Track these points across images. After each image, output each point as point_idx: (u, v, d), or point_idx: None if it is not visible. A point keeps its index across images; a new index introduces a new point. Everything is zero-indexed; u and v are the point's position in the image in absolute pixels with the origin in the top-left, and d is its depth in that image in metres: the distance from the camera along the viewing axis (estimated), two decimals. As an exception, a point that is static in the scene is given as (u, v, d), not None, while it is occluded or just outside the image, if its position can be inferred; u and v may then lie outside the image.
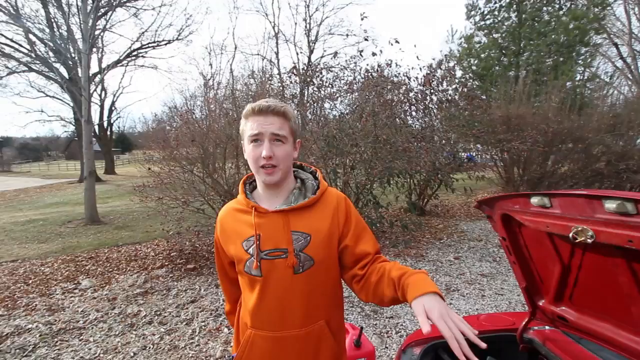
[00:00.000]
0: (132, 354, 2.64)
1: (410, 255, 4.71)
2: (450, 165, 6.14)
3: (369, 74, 5.38)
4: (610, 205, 0.81)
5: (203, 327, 3.00)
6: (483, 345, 0.67)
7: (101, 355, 2.64)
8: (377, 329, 2.88)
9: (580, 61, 14.42)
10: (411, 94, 5.77)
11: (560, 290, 1.21)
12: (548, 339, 1.24)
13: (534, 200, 1.04)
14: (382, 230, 5.70)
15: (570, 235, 0.94)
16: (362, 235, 1.02)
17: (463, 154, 7.15)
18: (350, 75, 5.39)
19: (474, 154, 7.96)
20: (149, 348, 2.71)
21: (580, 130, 6.87)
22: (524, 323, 1.32)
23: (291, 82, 5.65)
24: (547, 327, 1.30)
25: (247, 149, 0.97)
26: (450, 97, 6.25)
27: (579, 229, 0.92)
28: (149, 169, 5.16)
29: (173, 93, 36.21)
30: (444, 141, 5.96)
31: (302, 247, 0.95)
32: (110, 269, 4.60)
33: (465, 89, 6.87)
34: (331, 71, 5.39)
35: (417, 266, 4.27)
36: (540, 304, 1.31)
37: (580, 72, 14.80)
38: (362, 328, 1.61)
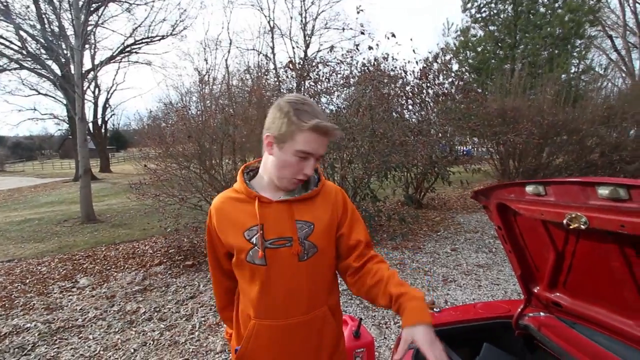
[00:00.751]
0: (132, 350, 2.65)
1: (407, 247, 4.75)
2: (447, 159, 6.16)
3: (366, 68, 5.37)
4: (603, 191, 0.83)
5: (203, 322, 3.02)
6: None
7: (101, 352, 2.65)
8: (375, 320, 2.91)
9: (575, 53, 14.49)
10: (408, 88, 5.77)
11: (555, 277, 1.23)
12: (543, 325, 1.26)
13: (529, 188, 1.06)
14: (380, 223, 5.73)
15: (564, 222, 0.95)
16: (355, 225, 1.06)
17: (460, 147, 7.18)
18: (347, 70, 5.37)
19: (470, 148, 8.00)
20: (149, 344, 2.72)
21: (575, 122, 6.94)
22: (519, 310, 1.34)
23: (287, 77, 5.63)
24: (542, 313, 1.32)
25: (286, 157, 0.93)
26: (446, 91, 6.25)
27: (573, 215, 0.93)
28: (145, 166, 5.13)
29: (168, 89, 36.05)
30: (440, 134, 5.98)
31: (306, 235, 0.97)
32: (108, 267, 4.59)
33: (462, 82, 6.87)
34: (328, 65, 5.37)
35: (415, 258, 4.31)
36: (535, 290, 1.33)
37: (575, 64, 14.88)
38: (361, 319, 1.63)
